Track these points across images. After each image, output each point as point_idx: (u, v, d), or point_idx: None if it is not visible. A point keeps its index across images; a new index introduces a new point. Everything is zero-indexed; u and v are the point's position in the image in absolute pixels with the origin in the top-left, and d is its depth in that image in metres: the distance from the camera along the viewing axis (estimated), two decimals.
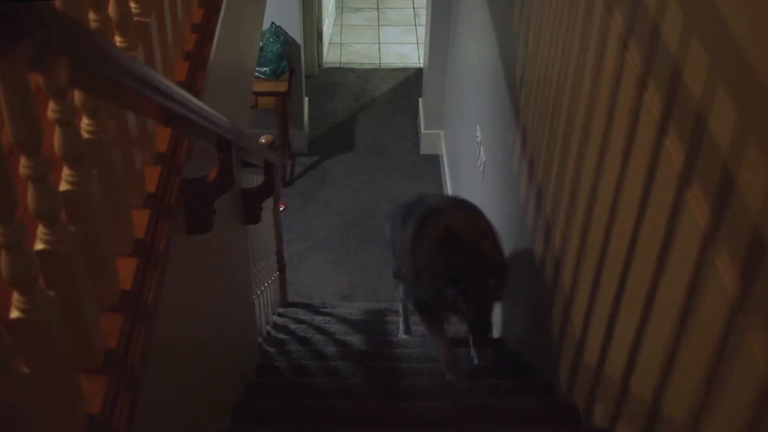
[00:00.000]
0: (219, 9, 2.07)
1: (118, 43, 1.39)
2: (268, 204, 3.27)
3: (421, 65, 6.45)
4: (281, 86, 5.12)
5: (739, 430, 1.09)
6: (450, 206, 2.63)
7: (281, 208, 4.82)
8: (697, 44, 1.23)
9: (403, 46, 7.00)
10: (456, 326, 2.80)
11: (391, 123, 6.04)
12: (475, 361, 2.61)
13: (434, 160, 5.68)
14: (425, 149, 5.75)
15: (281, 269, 3.99)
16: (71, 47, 0.84)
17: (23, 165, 0.92)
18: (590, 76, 1.81)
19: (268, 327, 3.55)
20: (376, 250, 4.79)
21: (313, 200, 5.33)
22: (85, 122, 1.20)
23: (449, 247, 2.16)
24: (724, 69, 1.14)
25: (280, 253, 3.94)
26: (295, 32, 5.34)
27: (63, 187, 1.10)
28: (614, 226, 1.64)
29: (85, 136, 1.19)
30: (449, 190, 5.20)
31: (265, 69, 5.07)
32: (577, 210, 1.93)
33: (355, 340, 3.31)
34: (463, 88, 4.49)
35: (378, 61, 6.78)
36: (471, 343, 2.62)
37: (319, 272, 4.78)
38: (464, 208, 2.64)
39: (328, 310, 4.02)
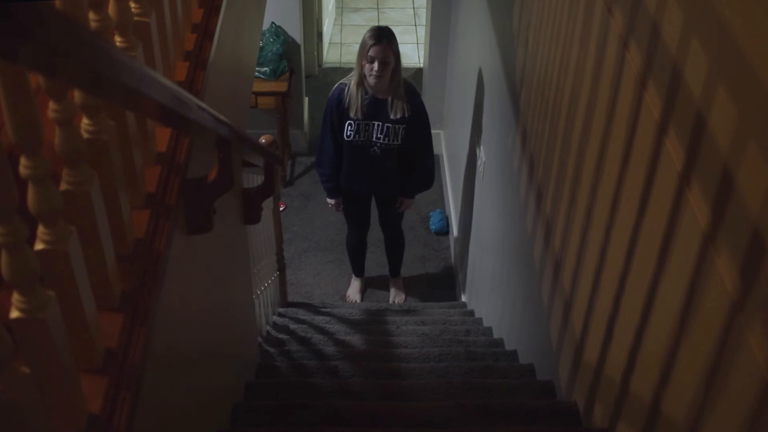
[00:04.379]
0: (219, 9, 2.07)
1: (118, 43, 1.39)
2: (268, 204, 3.27)
3: (421, 65, 6.44)
4: (281, 86, 5.12)
5: (740, 430, 1.09)
6: None
7: (281, 208, 4.82)
8: (697, 44, 1.23)
9: (403, 46, 6.95)
10: None
11: None
12: None
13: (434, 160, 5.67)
14: None
15: (281, 269, 3.99)
16: (71, 47, 0.84)
17: (23, 165, 0.92)
18: (590, 76, 1.81)
19: (268, 327, 3.55)
20: (376, 250, 4.78)
21: (313, 200, 5.32)
22: (85, 122, 1.20)
23: None
24: (724, 68, 1.14)
25: (280, 253, 3.94)
26: (295, 32, 5.33)
27: (63, 187, 1.10)
28: (614, 225, 1.64)
29: (85, 135, 1.19)
30: (449, 189, 5.20)
31: (265, 69, 5.07)
32: (577, 210, 1.92)
33: (355, 340, 3.31)
34: (463, 88, 4.49)
35: None
36: None
37: (319, 272, 4.78)
38: None
39: (328, 310, 4.02)
